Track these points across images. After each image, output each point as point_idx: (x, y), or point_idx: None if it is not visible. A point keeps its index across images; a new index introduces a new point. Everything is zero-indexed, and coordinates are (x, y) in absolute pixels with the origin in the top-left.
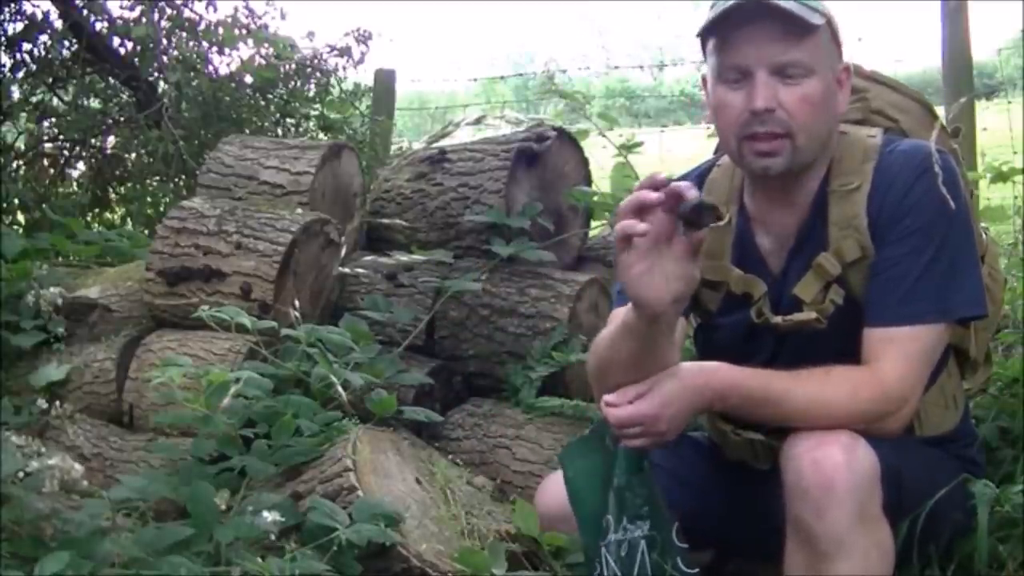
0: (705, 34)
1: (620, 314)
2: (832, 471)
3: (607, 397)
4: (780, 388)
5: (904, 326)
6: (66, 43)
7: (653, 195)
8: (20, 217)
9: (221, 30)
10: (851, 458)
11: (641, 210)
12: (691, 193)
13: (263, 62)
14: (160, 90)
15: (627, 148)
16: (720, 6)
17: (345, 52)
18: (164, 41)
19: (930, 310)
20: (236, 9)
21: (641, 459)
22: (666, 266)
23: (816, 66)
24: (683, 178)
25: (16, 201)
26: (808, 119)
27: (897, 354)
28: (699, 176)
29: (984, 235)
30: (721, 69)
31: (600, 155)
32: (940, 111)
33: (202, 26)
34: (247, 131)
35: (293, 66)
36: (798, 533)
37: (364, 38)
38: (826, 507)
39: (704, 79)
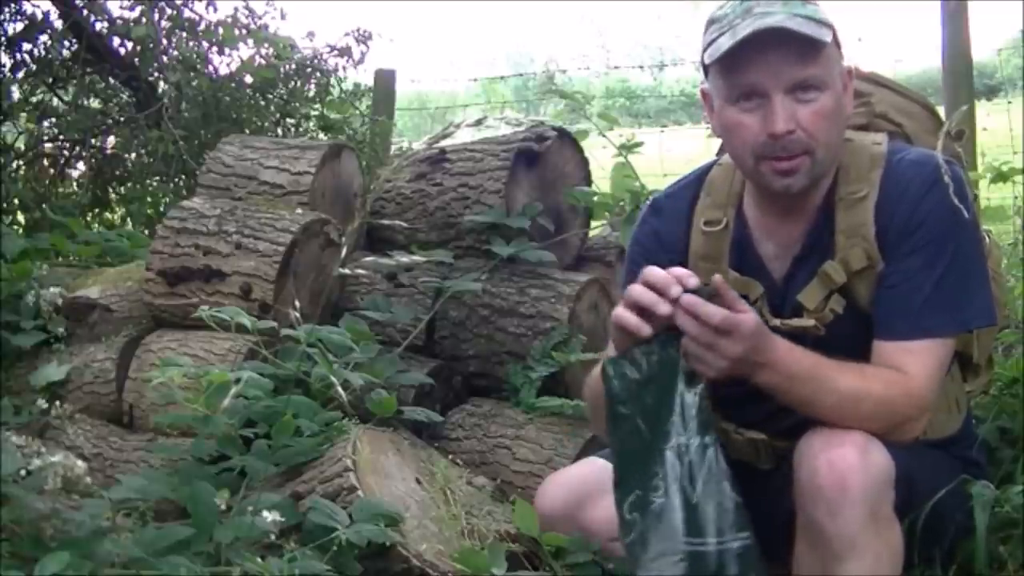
0: (720, 61)
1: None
2: (847, 471)
3: (693, 300)
4: (824, 373)
5: (921, 340)
6: (66, 43)
7: (664, 308)
8: (20, 217)
9: (221, 30)
10: (865, 459)
11: (646, 312)
12: (691, 282)
13: (263, 62)
14: (160, 90)
15: (627, 148)
16: (729, 33)
17: (345, 52)
18: (164, 41)
19: (946, 323)
20: (236, 9)
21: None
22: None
23: (828, 79)
24: (680, 183)
25: (16, 201)
26: (825, 134)
27: (917, 364)
28: (698, 179)
29: (987, 238)
30: (732, 91)
31: (600, 155)
32: (940, 112)
33: (202, 26)
34: (247, 131)
35: (293, 66)
36: (809, 533)
37: (364, 38)
38: (840, 508)
39: (705, 94)
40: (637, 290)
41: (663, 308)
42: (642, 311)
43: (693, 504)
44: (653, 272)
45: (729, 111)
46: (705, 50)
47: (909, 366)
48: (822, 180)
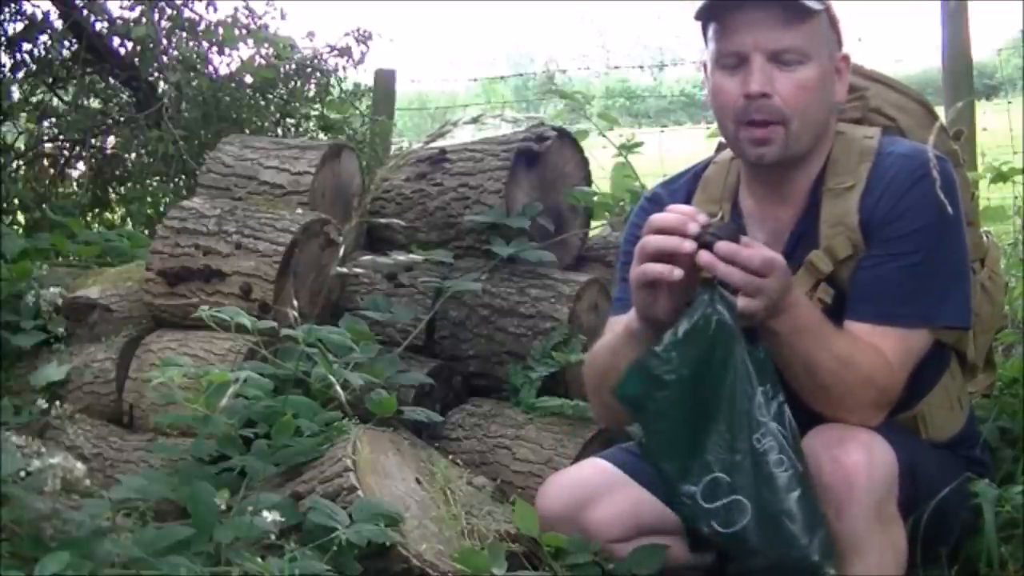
0: (704, 18)
1: (619, 322)
2: (852, 470)
3: (730, 248)
4: (826, 331)
5: (887, 326)
6: (66, 43)
7: (688, 245)
8: (20, 217)
9: (221, 30)
10: (871, 457)
11: (671, 256)
12: (701, 217)
13: (263, 62)
14: (160, 90)
15: (627, 148)
16: None
17: (345, 52)
18: (164, 41)
19: (912, 315)
20: (236, 9)
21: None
22: (677, 285)
23: (813, 52)
24: (679, 176)
25: (16, 201)
26: (803, 106)
27: (885, 349)
28: (695, 176)
29: (986, 238)
30: (719, 54)
31: (600, 155)
32: (940, 111)
33: (202, 26)
34: (247, 131)
35: (293, 66)
36: None
37: (364, 38)
38: (845, 506)
39: (704, 65)
40: (653, 239)
41: (688, 246)
42: (663, 258)
43: (801, 472)
44: (662, 217)
45: (715, 75)
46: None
47: (883, 347)
48: (808, 166)
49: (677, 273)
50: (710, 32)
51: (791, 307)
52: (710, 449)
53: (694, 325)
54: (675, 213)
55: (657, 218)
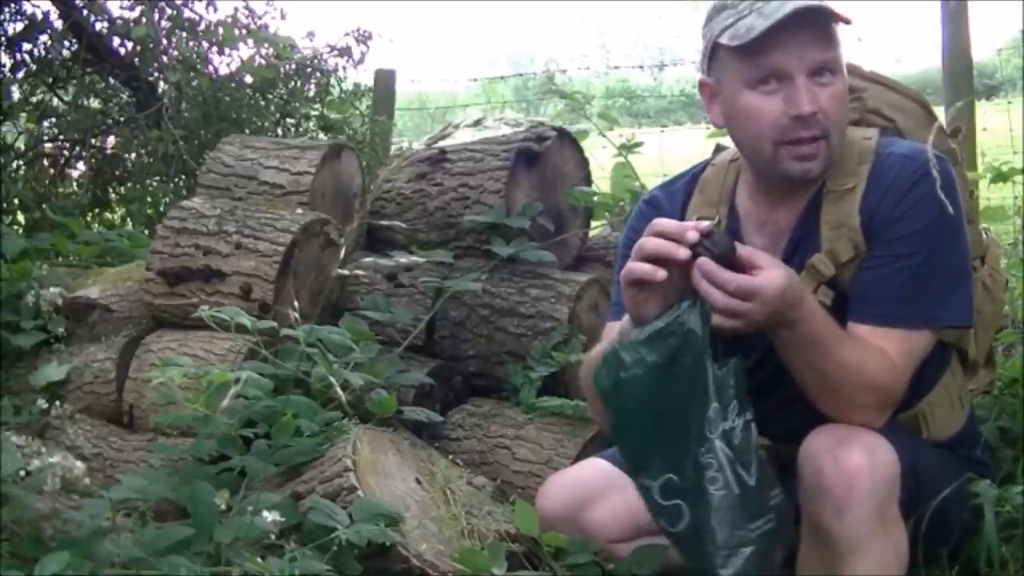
0: (749, 49)
1: (615, 328)
2: (854, 471)
3: (710, 266)
4: (834, 340)
5: (890, 328)
6: (66, 43)
7: (683, 253)
8: (20, 217)
9: (221, 30)
10: (873, 459)
11: (665, 260)
12: (703, 225)
13: (263, 62)
14: (160, 90)
15: (627, 148)
16: (755, 15)
17: (345, 52)
18: (164, 41)
19: (914, 315)
20: (236, 9)
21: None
22: (668, 288)
23: (841, 64)
24: (677, 179)
25: (16, 201)
26: (840, 117)
27: (890, 351)
28: (693, 178)
29: (986, 236)
30: (752, 74)
31: (600, 155)
32: (940, 111)
33: (202, 26)
34: (247, 131)
35: (293, 66)
36: (815, 533)
37: (364, 38)
38: (846, 507)
39: (704, 85)
40: (651, 241)
41: (683, 253)
42: (657, 261)
43: (751, 487)
44: (664, 222)
45: (746, 96)
46: (720, 35)
47: (887, 347)
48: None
49: (660, 274)
50: (737, 52)
51: (805, 318)
52: (667, 451)
53: (662, 330)
54: (678, 223)
55: (659, 222)
